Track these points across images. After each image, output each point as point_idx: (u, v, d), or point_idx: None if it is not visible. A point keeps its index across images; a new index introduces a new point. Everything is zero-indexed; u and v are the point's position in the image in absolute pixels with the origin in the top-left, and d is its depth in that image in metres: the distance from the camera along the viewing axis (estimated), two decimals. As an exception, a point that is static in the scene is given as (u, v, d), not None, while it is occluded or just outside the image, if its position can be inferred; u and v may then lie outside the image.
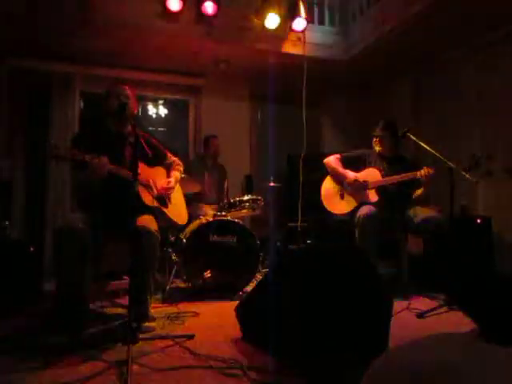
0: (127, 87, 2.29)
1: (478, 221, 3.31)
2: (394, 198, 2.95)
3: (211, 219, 2.98)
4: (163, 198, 2.36)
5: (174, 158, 2.60)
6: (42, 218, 3.98)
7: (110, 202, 2.11)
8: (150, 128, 4.79)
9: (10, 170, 3.92)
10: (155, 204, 2.30)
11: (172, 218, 2.41)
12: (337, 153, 3.23)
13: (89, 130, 2.35)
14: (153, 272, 2.10)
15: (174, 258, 3.13)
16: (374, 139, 3.12)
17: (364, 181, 2.98)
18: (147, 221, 2.13)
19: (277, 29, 3.71)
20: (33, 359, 1.66)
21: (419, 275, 3.07)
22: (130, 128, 2.27)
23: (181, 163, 2.63)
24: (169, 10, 3.33)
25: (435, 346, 0.85)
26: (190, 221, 3.01)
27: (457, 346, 0.83)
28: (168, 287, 2.93)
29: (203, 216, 3.18)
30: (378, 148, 3.10)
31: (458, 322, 2.21)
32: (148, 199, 2.24)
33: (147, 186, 2.27)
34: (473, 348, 0.81)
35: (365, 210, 2.83)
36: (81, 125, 4.16)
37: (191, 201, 3.49)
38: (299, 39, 3.87)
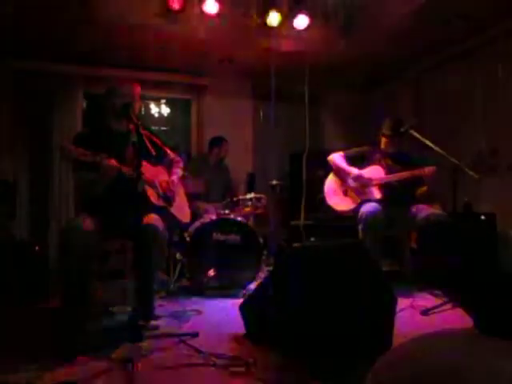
0: (132, 85, 2.27)
1: (482, 217, 3.30)
2: (397, 195, 2.94)
3: (214, 218, 2.99)
4: (167, 197, 2.37)
5: (173, 155, 2.60)
6: (46, 217, 4.00)
7: (117, 202, 2.12)
8: (153, 127, 4.80)
9: (14, 170, 3.95)
10: (161, 203, 2.31)
11: (177, 216, 2.42)
12: (339, 150, 3.23)
13: (91, 129, 2.35)
14: (159, 271, 2.11)
15: (177, 256, 3.14)
16: (381, 137, 3.12)
17: (368, 178, 2.98)
18: (154, 220, 2.13)
19: (279, 26, 3.69)
20: (39, 358, 1.67)
21: (422, 272, 3.06)
22: (132, 127, 2.28)
23: (180, 159, 2.64)
24: (171, 9, 3.33)
25: (440, 344, 0.85)
26: (193, 219, 3.02)
27: (461, 345, 0.83)
28: (172, 285, 2.94)
29: (206, 215, 3.19)
30: (384, 146, 3.09)
31: (463, 318, 2.21)
32: (154, 198, 2.25)
33: (152, 185, 2.28)
34: (477, 346, 0.81)
35: (368, 206, 2.83)
36: (83, 124, 4.17)
37: (194, 199, 3.50)
38: (301, 37, 3.85)
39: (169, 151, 2.56)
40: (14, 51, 3.82)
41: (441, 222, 2.71)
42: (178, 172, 2.54)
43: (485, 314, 0.83)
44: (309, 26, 3.75)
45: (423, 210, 2.82)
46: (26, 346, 1.86)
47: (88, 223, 1.95)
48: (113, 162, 1.99)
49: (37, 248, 2.76)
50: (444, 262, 2.67)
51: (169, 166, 2.55)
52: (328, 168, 3.20)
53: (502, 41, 3.53)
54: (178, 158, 2.62)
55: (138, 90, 2.29)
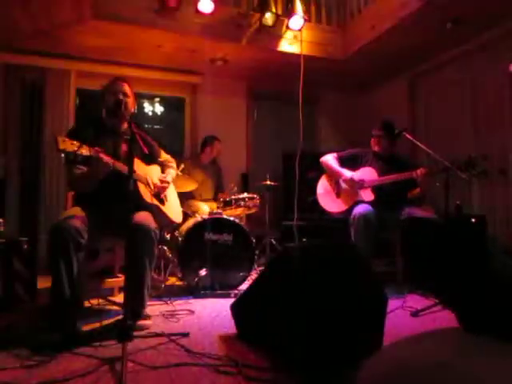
0: (126, 84, 2.26)
1: (473, 220, 3.33)
2: (389, 198, 2.96)
3: (207, 217, 2.98)
4: (160, 196, 2.36)
5: (167, 156, 2.60)
6: (36, 215, 3.95)
7: (108, 199, 2.09)
8: (146, 125, 4.76)
9: (4, 167, 3.89)
10: (154, 201, 2.29)
11: (169, 215, 2.41)
12: (333, 151, 3.24)
13: (84, 124, 2.33)
14: (150, 269, 2.10)
15: (169, 255, 3.12)
16: (373, 139, 3.13)
17: (360, 180, 2.99)
18: (146, 218, 2.12)
19: (274, 27, 3.70)
20: (27, 357, 1.65)
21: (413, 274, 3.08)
22: (125, 125, 2.27)
23: (173, 160, 2.64)
24: (166, 7, 3.31)
25: (426, 344, 0.85)
26: (185, 219, 3.01)
27: (447, 343, 0.84)
28: (163, 285, 2.92)
29: (198, 214, 3.18)
30: (376, 148, 3.11)
31: (452, 320, 2.23)
32: (147, 196, 2.24)
33: (145, 183, 2.26)
34: (465, 345, 0.82)
35: (360, 208, 2.84)
36: (76, 120, 4.13)
37: (186, 199, 3.49)
38: (296, 37, 3.86)
39: (162, 152, 2.56)
40: (6, 46, 3.76)
41: (427, 223, 2.74)
42: (172, 171, 2.53)
43: (470, 312, 0.84)
44: (304, 27, 3.76)
45: (415, 213, 2.84)
46: (16, 343, 1.83)
47: (77, 221, 1.93)
48: (107, 157, 1.97)
49: (25, 246, 2.72)
50: (432, 263, 2.68)
51: (162, 166, 2.54)
52: (321, 169, 3.21)
53: (495, 46, 3.57)
54: (171, 158, 2.62)
55: (130, 87, 2.28)
